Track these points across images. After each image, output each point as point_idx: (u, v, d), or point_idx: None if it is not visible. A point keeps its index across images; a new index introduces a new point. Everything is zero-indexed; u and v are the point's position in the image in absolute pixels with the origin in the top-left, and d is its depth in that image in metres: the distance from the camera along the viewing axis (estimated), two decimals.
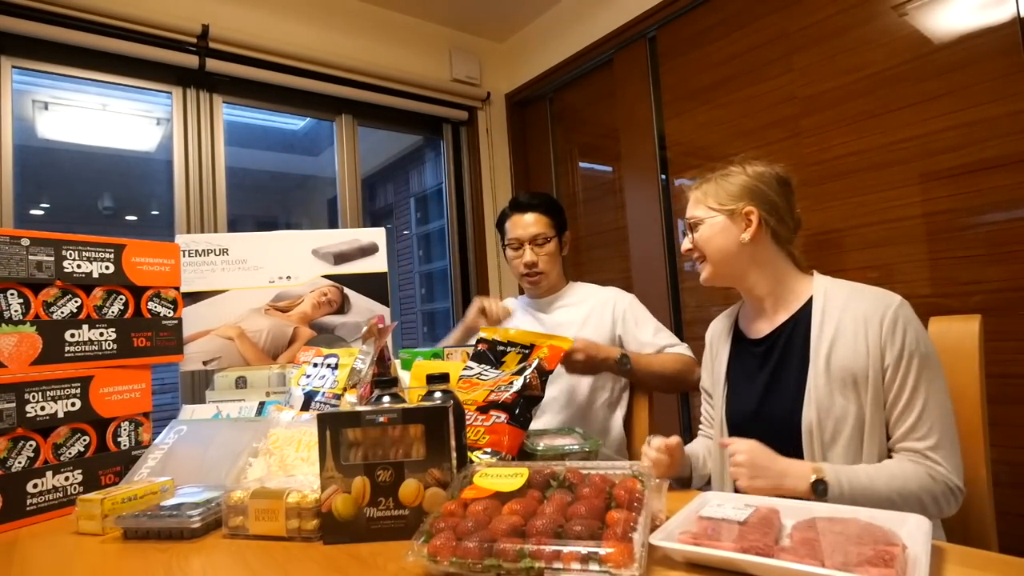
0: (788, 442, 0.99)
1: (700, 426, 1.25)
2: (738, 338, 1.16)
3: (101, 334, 1.19)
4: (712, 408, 1.19)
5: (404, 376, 1.31)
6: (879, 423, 0.94)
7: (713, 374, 1.18)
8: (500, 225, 1.70)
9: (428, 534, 0.68)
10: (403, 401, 0.93)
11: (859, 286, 1.02)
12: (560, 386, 1.52)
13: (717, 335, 1.21)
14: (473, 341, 1.32)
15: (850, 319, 0.97)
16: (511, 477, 0.77)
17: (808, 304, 1.04)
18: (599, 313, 1.59)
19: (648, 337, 1.53)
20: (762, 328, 1.10)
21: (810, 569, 0.57)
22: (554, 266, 1.63)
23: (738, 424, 1.10)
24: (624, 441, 1.56)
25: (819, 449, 0.96)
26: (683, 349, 1.51)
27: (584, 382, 1.52)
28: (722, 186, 1.09)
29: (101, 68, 2.23)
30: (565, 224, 1.67)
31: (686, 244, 1.14)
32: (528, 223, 1.60)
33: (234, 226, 2.51)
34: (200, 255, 1.57)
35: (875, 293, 0.99)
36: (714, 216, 1.09)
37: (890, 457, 0.95)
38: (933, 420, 0.91)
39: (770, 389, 1.05)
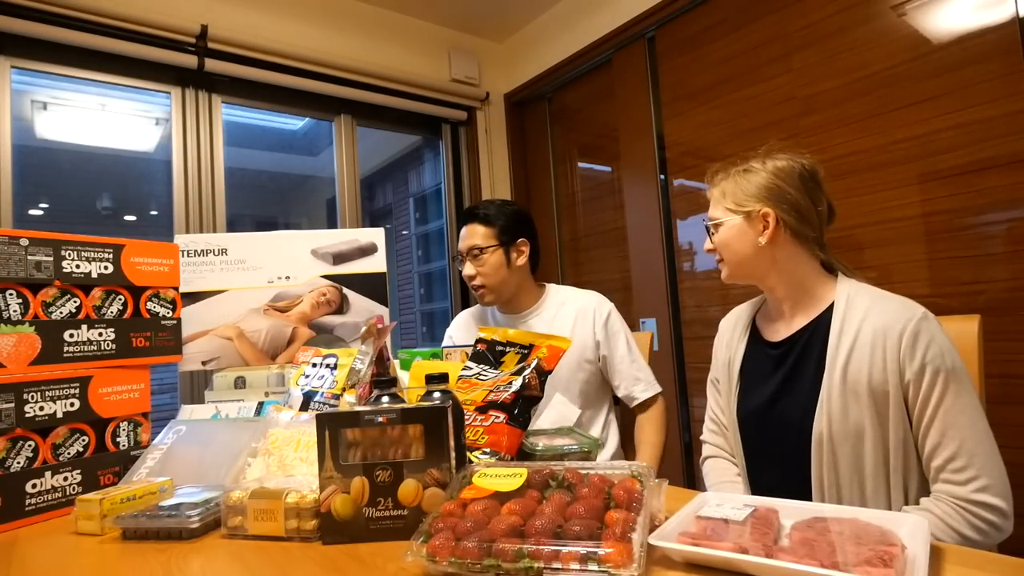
0: (797, 448, 0.98)
1: (707, 427, 1.23)
2: (754, 337, 1.14)
3: (100, 334, 1.19)
4: (720, 400, 1.18)
5: (403, 376, 1.31)
6: (903, 443, 0.91)
7: (728, 369, 1.16)
8: None
9: (427, 534, 0.68)
10: (402, 401, 0.93)
11: (882, 294, 0.99)
12: (550, 416, 1.49)
13: (732, 327, 1.19)
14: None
15: (869, 330, 0.94)
16: (510, 477, 0.77)
17: (829, 310, 1.01)
18: (582, 321, 1.54)
19: (623, 363, 1.51)
20: (780, 331, 1.08)
21: (809, 569, 0.57)
22: (499, 279, 1.52)
23: (748, 424, 1.10)
24: (619, 443, 1.56)
25: (828, 459, 0.94)
26: (651, 387, 1.51)
27: (574, 412, 1.50)
28: (740, 185, 1.05)
29: (100, 68, 2.23)
30: (521, 231, 1.55)
31: (708, 244, 1.12)
32: (465, 235, 1.54)
33: (233, 226, 2.50)
34: (199, 255, 1.57)
35: (897, 304, 0.95)
36: (731, 218, 1.05)
37: (927, 491, 0.91)
38: (963, 439, 0.87)
39: (782, 393, 1.03)
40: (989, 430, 0.90)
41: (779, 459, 1.04)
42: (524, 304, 1.60)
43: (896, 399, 0.91)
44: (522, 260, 1.56)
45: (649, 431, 1.49)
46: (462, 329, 1.70)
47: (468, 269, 1.53)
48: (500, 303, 1.59)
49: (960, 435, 0.87)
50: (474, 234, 1.53)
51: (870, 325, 0.94)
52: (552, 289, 1.63)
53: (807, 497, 0.97)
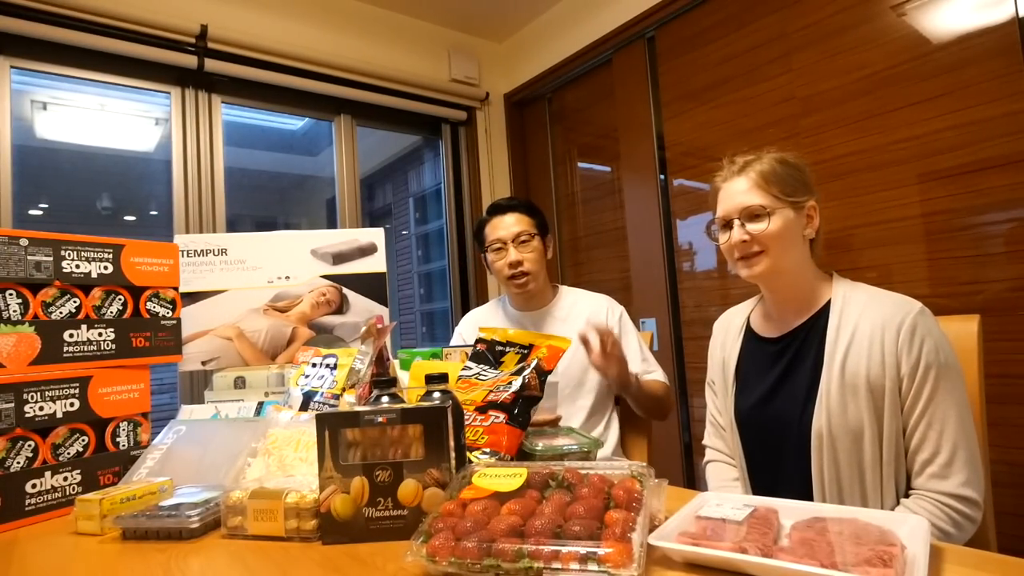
0: (795, 444, 0.99)
1: (708, 431, 1.22)
2: (750, 335, 1.14)
3: (100, 334, 1.19)
4: (717, 401, 1.18)
5: (403, 376, 1.31)
6: (896, 435, 0.92)
7: (724, 368, 1.16)
8: (479, 234, 1.63)
9: (427, 534, 0.68)
10: (402, 401, 0.93)
11: (879, 292, 1.00)
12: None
13: (726, 329, 1.19)
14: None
15: (867, 325, 0.95)
16: (510, 477, 0.77)
17: (826, 307, 1.01)
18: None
19: (634, 362, 1.52)
20: (778, 328, 1.08)
21: (809, 569, 0.57)
22: (540, 268, 1.57)
23: (746, 421, 1.10)
24: (619, 441, 1.56)
25: (828, 455, 0.95)
26: (662, 375, 1.54)
27: (580, 411, 1.51)
28: (779, 174, 1.00)
29: (100, 68, 2.23)
30: (547, 227, 1.64)
31: (741, 235, 1.00)
32: (509, 223, 1.56)
33: (233, 226, 2.51)
34: (199, 255, 1.57)
35: (894, 300, 0.96)
36: (783, 207, 1.00)
37: (910, 487, 0.92)
38: (950, 434, 0.88)
39: (780, 389, 1.04)
40: (974, 427, 0.92)
41: (779, 455, 1.04)
42: (541, 301, 1.62)
43: (892, 392, 0.92)
44: (550, 254, 1.62)
45: (656, 386, 1.50)
46: (473, 328, 1.68)
47: (515, 254, 1.54)
48: (536, 294, 1.60)
49: (947, 429, 0.89)
50: (519, 221, 1.57)
51: (868, 320, 0.95)
52: (564, 290, 1.67)
53: (807, 493, 0.98)
